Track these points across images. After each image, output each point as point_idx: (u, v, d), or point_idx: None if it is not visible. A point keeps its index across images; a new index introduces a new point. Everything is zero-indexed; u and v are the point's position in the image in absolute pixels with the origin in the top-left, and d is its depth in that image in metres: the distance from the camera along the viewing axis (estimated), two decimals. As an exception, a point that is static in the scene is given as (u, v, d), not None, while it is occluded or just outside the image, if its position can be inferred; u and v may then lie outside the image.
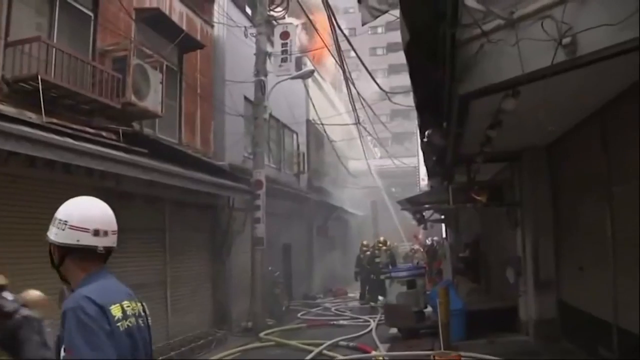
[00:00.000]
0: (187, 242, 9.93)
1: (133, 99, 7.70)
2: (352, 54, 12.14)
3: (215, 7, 12.08)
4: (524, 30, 3.79)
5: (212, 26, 12.04)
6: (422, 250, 20.05)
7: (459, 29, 3.89)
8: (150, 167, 7.39)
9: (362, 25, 5.07)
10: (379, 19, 5.17)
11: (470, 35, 4.01)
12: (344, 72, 13.92)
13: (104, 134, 7.32)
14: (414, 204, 11.60)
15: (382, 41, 51.46)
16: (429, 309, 9.26)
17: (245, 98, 12.88)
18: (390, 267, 14.59)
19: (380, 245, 16.59)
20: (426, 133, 6.77)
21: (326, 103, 22.59)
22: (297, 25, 14.41)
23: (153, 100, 8.20)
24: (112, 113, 7.61)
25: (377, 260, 15.81)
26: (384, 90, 15.04)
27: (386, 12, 4.92)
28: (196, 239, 10.33)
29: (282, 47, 12.27)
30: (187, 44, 9.94)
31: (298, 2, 11.94)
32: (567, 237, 7.23)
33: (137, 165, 7.12)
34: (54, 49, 6.62)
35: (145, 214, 8.57)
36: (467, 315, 8.09)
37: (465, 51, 4.10)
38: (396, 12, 4.48)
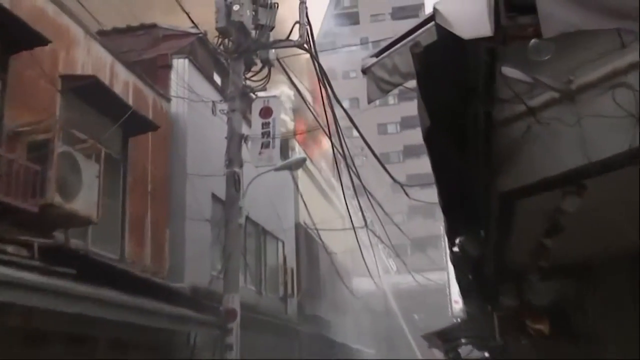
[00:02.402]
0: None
1: (56, 199, 7.57)
2: (356, 132, 12.35)
3: (173, 75, 12.45)
4: (587, 105, 3.74)
5: (169, 100, 12.34)
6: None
7: (496, 106, 3.85)
8: (76, 295, 7.07)
9: (369, 102, 5.10)
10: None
11: (511, 113, 3.97)
12: (344, 159, 14.08)
13: (9, 248, 7.07)
14: (445, 340, 11.16)
15: (394, 114, 53.32)
16: None
17: (214, 196, 12.89)
18: None
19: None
20: (457, 241, 6.66)
21: (322, 200, 22.70)
22: (280, 98, 14.77)
23: (85, 201, 8.09)
24: (25, 219, 7.44)
25: None
26: (397, 182, 15.17)
27: (399, 85, 4.95)
28: (140, 396, 9.77)
29: (263, 127, 12.41)
30: (135, 124, 10.09)
31: (282, 66, 12.31)
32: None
33: (57, 293, 6.81)
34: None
35: (68, 361, 8.12)
36: None
37: (506, 135, 4.04)
38: (412, 82, 4.56)
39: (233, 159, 11.51)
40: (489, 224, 5.11)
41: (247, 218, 12.62)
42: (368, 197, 16.17)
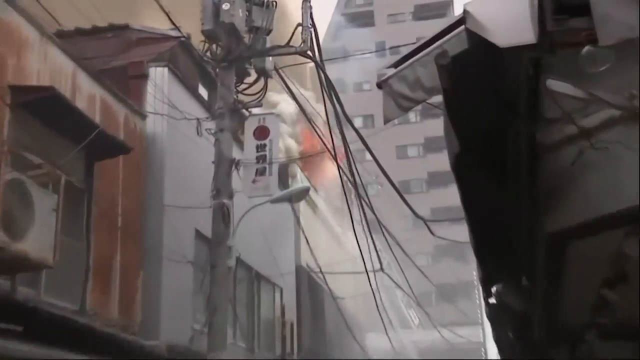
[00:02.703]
0: None
1: (1, 238, 7.51)
2: (369, 155, 12.34)
3: (150, 87, 12.51)
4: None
5: (144, 117, 12.37)
6: None
7: (542, 127, 3.85)
8: (22, 358, 6.98)
9: (386, 122, 5.08)
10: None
11: (560, 136, 3.96)
12: (355, 188, 14.05)
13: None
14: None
15: (416, 134, 53.51)
16: None
17: (198, 233, 12.87)
18: None
19: None
20: (493, 290, 6.65)
21: (328, 238, 22.64)
22: (278, 115, 14.79)
23: (38, 240, 8.03)
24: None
25: None
26: (420, 217, 15.11)
27: (422, 102, 4.95)
28: None
29: (258, 150, 12.40)
30: (103, 146, 10.08)
31: (281, 77, 12.36)
32: None
33: None
34: None
35: None
36: None
37: (554, 162, 4.04)
38: (438, 98, 4.61)
39: (221, 188, 11.48)
40: (535, 271, 5.10)
41: (238, 260, 12.51)
42: (384, 235, 16.12)
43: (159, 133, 12.52)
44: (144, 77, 12.69)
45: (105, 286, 10.64)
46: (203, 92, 15.04)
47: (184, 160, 12.85)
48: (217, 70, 11.78)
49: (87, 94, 10.76)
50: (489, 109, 3.89)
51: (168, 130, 12.54)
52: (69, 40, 11.69)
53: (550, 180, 4.05)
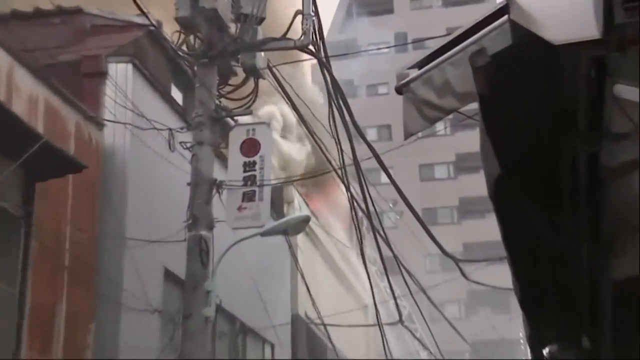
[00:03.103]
0: None
1: None
2: (386, 176, 12.33)
3: (109, 88, 12.50)
4: None
5: (102, 126, 12.38)
6: None
7: (606, 144, 3.83)
8: None
9: (407, 136, 5.06)
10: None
11: (630, 156, 3.94)
12: (367, 217, 14.04)
13: None
14: None
15: (445, 150, 53.44)
16: None
17: (167, 274, 12.94)
18: None
19: None
20: (545, 351, 6.65)
21: (333, 280, 22.58)
22: (272, 125, 14.78)
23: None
24: None
25: None
26: (450, 256, 15.07)
27: (452, 112, 4.95)
28: None
29: (246, 170, 12.41)
30: (47, 162, 10.07)
31: (276, 77, 12.39)
32: None
33: None
34: None
35: None
36: None
37: (622, 189, 4.01)
38: (473, 106, 4.57)
39: (199, 216, 11.48)
40: (599, 330, 5.09)
41: (219, 308, 12.51)
42: (404, 277, 16.07)
43: (121, 146, 12.54)
44: (102, 75, 12.72)
45: (45, 342, 10.60)
46: (177, 95, 15.09)
47: (151, 181, 12.86)
48: (195, 68, 11.82)
49: (27, 96, 10.79)
50: (538, 121, 3.88)
51: (132, 143, 12.58)
52: (4, 26, 11.71)
53: (617, 213, 4.05)
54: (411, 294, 16.58)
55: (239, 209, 12.32)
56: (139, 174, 12.71)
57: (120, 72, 12.93)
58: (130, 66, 13.03)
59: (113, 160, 12.44)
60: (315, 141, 14.28)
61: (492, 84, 3.83)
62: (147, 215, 12.56)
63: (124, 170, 12.49)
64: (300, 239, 18.44)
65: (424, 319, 20.27)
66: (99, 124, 12.35)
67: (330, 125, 11.88)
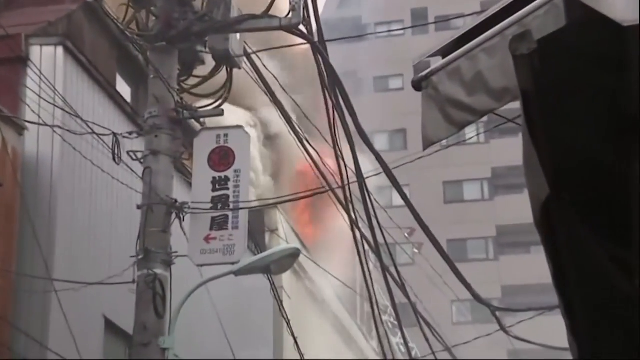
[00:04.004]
0: None
1: None
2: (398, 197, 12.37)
3: (32, 79, 12.44)
4: None
5: (22, 130, 12.37)
6: None
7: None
8: None
9: (426, 146, 5.08)
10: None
11: None
12: (375, 251, 14.07)
13: None
14: None
15: (477, 163, 53.31)
16: None
17: (109, 325, 12.99)
18: None
19: None
20: None
21: (330, 332, 22.60)
22: (250, 130, 14.76)
23: None
24: None
25: None
26: (485, 303, 15.07)
27: (486, 114, 4.98)
28: None
29: (216, 188, 12.46)
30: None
31: (255, 68, 12.38)
32: None
33: None
34: None
35: None
36: None
37: None
38: (513, 106, 4.56)
39: (152, 250, 11.49)
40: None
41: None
42: (422, 331, 16.06)
43: (47, 157, 12.54)
44: (21, 61, 12.69)
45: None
46: (124, 89, 15.07)
47: (89, 203, 12.85)
48: (149, 53, 11.83)
49: None
50: (599, 126, 3.88)
51: (63, 153, 12.58)
52: None
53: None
54: (433, 353, 16.56)
55: (207, 239, 12.34)
56: (72, 194, 12.69)
57: (47, 58, 12.90)
58: (60, 50, 13.00)
59: (37, 176, 12.42)
60: (307, 152, 14.31)
61: (539, 77, 3.84)
62: (83, 249, 12.53)
63: (52, 189, 12.47)
64: (287, 278, 18.45)
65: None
66: (18, 127, 12.31)
67: (331, 129, 11.88)
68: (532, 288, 44.54)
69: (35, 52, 12.77)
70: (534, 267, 41.14)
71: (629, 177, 4.05)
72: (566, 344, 5.83)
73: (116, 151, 12.30)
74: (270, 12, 11.31)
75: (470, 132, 48.94)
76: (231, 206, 12.30)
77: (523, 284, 46.65)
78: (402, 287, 14.52)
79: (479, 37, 4.79)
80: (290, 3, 11.18)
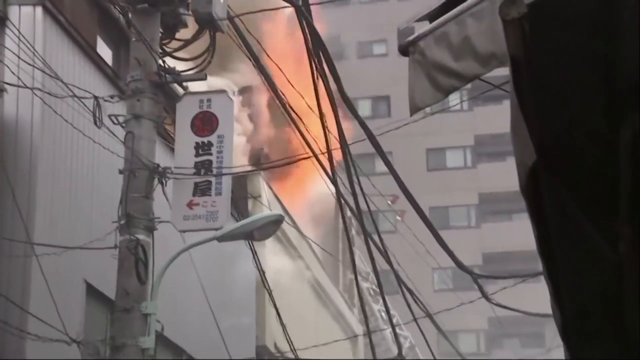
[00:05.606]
0: None
1: None
2: (382, 164, 12.35)
3: (10, 40, 12.43)
4: None
5: (2, 93, 12.41)
6: None
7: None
8: None
9: (413, 111, 5.07)
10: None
11: None
12: (357, 218, 14.07)
13: None
14: None
15: (461, 131, 53.35)
16: None
17: (91, 290, 13.02)
18: None
19: None
20: None
21: (312, 298, 22.63)
22: (234, 94, 14.73)
23: None
24: None
25: None
26: (467, 270, 15.11)
27: (473, 79, 4.95)
28: None
29: (199, 153, 12.44)
30: None
31: (238, 32, 12.34)
32: None
33: None
34: None
35: None
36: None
37: None
38: (500, 72, 4.69)
39: (134, 215, 11.46)
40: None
41: (161, 337, 12.46)
42: (405, 298, 16.11)
43: (27, 120, 12.52)
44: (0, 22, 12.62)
45: None
46: (105, 52, 15.00)
47: (70, 167, 12.81)
48: (130, 15, 11.77)
49: None
50: (589, 94, 3.86)
51: (43, 116, 12.54)
52: None
53: None
54: (415, 320, 16.60)
55: (190, 205, 12.33)
56: (52, 158, 12.64)
57: (25, 18, 12.84)
58: (39, 10, 12.94)
59: (16, 139, 12.37)
60: (290, 116, 14.28)
61: (529, 42, 3.82)
62: (64, 214, 12.49)
63: (32, 153, 12.43)
64: (270, 245, 18.44)
65: (431, 353, 20.34)
66: (-5, 89, 12.24)
67: (316, 95, 11.87)
68: (513, 255, 44.80)
69: (13, 12, 12.70)
70: (516, 235, 41.39)
71: (617, 146, 4.03)
72: (548, 311, 5.85)
73: (97, 114, 12.25)
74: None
75: (454, 99, 49.07)
76: (214, 171, 12.28)
77: (504, 251, 46.87)
78: (385, 255, 14.54)
79: (467, 1, 4.76)
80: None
